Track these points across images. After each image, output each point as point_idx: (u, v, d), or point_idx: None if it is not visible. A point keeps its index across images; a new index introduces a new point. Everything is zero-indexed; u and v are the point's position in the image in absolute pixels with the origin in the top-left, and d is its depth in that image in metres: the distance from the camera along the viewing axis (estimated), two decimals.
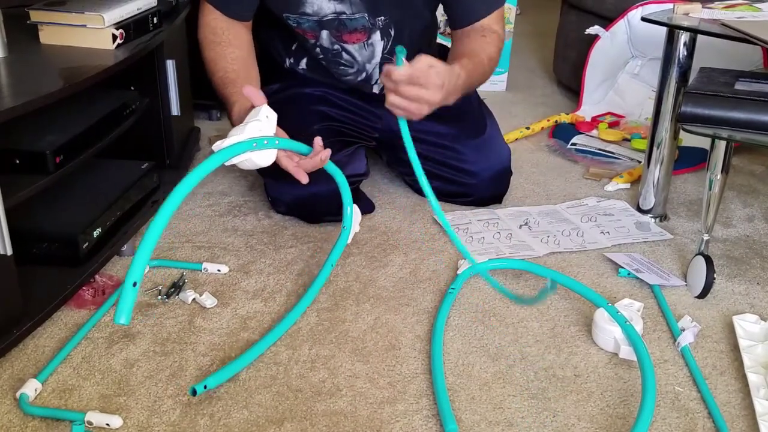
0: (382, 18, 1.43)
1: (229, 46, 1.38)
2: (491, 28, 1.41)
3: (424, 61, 1.14)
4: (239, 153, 1.03)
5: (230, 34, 1.39)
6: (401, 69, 1.11)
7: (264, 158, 1.08)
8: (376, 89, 1.56)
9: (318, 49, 1.48)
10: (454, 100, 1.25)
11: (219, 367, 1.06)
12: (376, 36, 1.45)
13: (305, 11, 1.41)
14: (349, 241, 1.33)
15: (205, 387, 0.99)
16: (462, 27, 1.42)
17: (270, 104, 1.15)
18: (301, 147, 1.17)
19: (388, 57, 1.48)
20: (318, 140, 1.18)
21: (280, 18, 1.44)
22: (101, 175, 1.41)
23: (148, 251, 0.86)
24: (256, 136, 1.06)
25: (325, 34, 1.44)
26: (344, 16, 1.41)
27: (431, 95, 1.15)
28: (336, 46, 1.46)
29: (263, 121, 1.08)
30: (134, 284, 0.84)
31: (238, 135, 1.06)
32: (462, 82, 1.25)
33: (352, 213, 1.33)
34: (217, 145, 1.05)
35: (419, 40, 1.52)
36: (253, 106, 1.15)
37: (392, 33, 1.46)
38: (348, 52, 1.47)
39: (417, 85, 1.13)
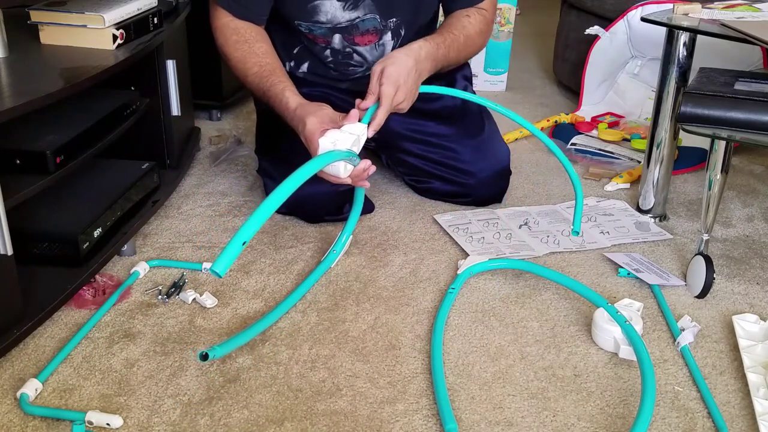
0: (394, 20, 1.44)
1: (256, 42, 1.37)
2: (479, 9, 1.46)
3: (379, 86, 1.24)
4: (340, 159, 1.14)
5: (252, 31, 1.39)
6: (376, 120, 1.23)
7: (346, 170, 1.18)
8: None
9: (328, 51, 1.48)
10: (429, 70, 1.34)
11: (219, 366, 1.06)
12: (387, 36, 1.46)
13: (319, 19, 1.41)
14: (332, 264, 1.33)
15: (215, 356, 0.99)
16: (453, 11, 1.47)
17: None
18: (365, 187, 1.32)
19: None
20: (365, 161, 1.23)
21: (290, 24, 1.44)
22: (102, 175, 1.41)
23: (267, 213, 0.90)
24: (352, 149, 1.17)
25: (337, 38, 1.44)
26: (357, 20, 1.41)
27: (405, 104, 1.27)
28: (348, 49, 1.46)
29: (360, 137, 1.18)
30: (243, 243, 0.86)
31: (343, 141, 1.16)
32: (425, 53, 1.32)
33: (347, 241, 1.36)
34: (324, 143, 1.16)
35: (425, 33, 1.53)
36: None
37: (402, 33, 1.47)
38: (359, 54, 1.48)
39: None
